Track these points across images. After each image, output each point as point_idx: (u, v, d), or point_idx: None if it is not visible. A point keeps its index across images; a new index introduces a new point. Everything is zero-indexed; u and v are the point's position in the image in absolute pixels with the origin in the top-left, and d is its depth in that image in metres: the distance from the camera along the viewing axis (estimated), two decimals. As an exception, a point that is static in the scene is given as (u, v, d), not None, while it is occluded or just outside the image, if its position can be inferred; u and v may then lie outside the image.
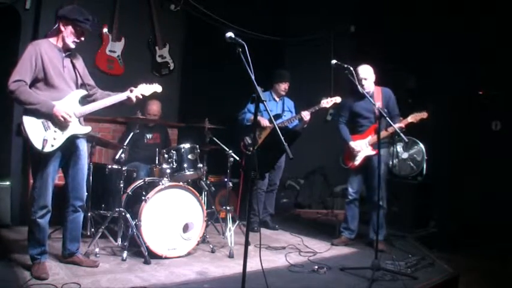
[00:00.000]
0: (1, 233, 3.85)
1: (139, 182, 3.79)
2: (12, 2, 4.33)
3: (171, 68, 5.52)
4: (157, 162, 4.04)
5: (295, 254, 3.85)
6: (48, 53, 2.85)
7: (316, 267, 3.37)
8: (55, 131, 2.81)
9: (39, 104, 2.74)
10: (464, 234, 4.53)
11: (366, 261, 3.40)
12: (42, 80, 2.82)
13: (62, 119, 2.79)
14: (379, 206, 3.44)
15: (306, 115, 4.51)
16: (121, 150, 3.64)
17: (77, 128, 2.93)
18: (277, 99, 4.89)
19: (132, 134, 3.89)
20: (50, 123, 2.80)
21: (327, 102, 4.48)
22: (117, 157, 3.63)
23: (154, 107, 4.63)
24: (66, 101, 2.88)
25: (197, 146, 3.99)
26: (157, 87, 3.29)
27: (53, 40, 2.94)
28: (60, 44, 2.94)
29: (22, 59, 2.79)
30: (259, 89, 2.35)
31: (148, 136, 4.64)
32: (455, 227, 4.83)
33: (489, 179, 4.78)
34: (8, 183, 4.23)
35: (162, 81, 5.35)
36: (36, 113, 2.75)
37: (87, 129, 3.00)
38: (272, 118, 2.44)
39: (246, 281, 2.25)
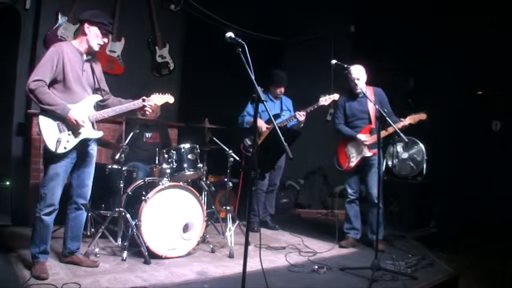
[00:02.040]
0: (1, 233, 3.84)
1: (139, 182, 3.79)
2: (12, 2, 4.33)
3: (171, 68, 5.53)
4: (157, 162, 4.04)
5: (295, 254, 3.85)
6: (70, 56, 2.90)
7: (316, 267, 3.37)
8: (69, 134, 2.87)
9: (56, 105, 2.79)
10: (464, 234, 4.53)
11: (365, 261, 3.39)
12: (60, 82, 2.87)
13: (75, 123, 2.84)
14: (378, 206, 3.44)
15: (299, 116, 4.50)
16: (121, 150, 3.64)
17: (90, 132, 2.98)
18: (274, 99, 4.89)
19: (132, 133, 3.89)
20: (64, 126, 2.86)
21: (325, 100, 4.46)
22: (117, 157, 3.63)
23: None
24: (81, 105, 2.94)
25: (197, 146, 3.98)
26: (169, 98, 3.33)
27: (75, 43, 3.00)
28: (82, 48, 2.99)
29: (43, 59, 2.84)
30: (259, 89, 2.35)
31: (148, 135, 4.63)
32: (455, 227, 4.83)
33: (489, 179, 4.78)
34: (8, 183, 4.23)
35: (162, 81, 5.42)
36: (52, 114, 2.81)
37: (99, 133, 3.06)
38: (272, 118, 2.44)
39: (246, 281, 2.25)
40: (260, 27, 6.09)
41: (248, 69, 2.34)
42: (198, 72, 5.71)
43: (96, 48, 3.00)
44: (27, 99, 4.46)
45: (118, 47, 5.06)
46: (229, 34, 2.38)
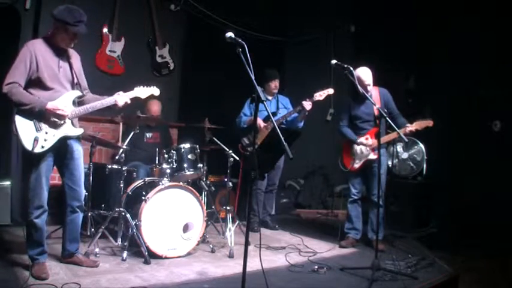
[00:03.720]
0: (1, 233, 3.84)
1: (139, 182, 3.79)
2: (12, 2, 4.33)
3: (171, 68, 5.53)
4: (157, 162, 4.05)
5: (295, 254, 3.85)
6: (43, 53, 2.81)
7: (316, 267, 3.37)
8: (46, 132, 2.79)
9: (32, 103, 2.71)
10: (464, 234, 4.53)
11: (366, 261, 3.40)
12: (36, 81, 2.79)
13: (57, 112, 2.76)
14: (378, 207, 3.44)
15: (307, 104, 4.42)
16: (121, 150, 3.64)
17: (69, 129, 2.90)
18: (269, 98, 4.89)
19: (132, 133, 3.89)
20: (41, 124, 2.78)
21: (320, 95, 4.44)
22: (117, 157, 3.63)
23: (155, 107, 4.63)
24: (59, 101, 2.84)
25: (197, 146, 3.98)
26: (154, 90, 3.24)
27: (50, 40, 2.88)
28: (56, 44, 2.88)
29: (17, 60, 2.76)
30: (259, 88, 2.35)
31: (148, 135, 4.64)
32: (455, 227, 4.83)
33: (489, 179, 4.77)
34: (8, 183, 4.23)
35: (162, 81, 5.42)
36: (30, 113, 2.73)
37: (79, 131, 2.96)
38: (272, 117, 2.44)
39: (246, 281, 2.25)
40: (260, 27, 6.09)
41: (248, 69, 2.34)
42: (198, 72, 5.71)
43: (64, 46, 2.89)
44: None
45: (118, 47, 5.06)
46: (229, 34, 2.37)
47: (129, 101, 3.09)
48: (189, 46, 5.80)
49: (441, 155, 5.21)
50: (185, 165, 3.84)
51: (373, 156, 4.00)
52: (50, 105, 2.75)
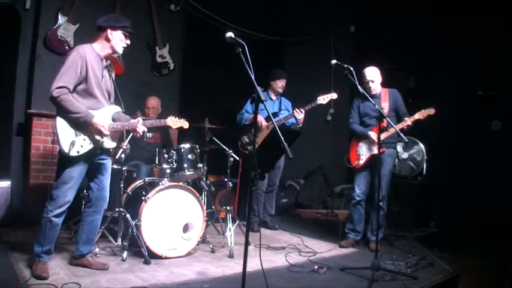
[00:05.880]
0: (1, 233, 3.84)
1: (139, 182, 3.79)
2: (12, 2, 4.33)
3: (171, 68, 5.53)
4: (157, 162, 4.04)
5: (295, 254, 3.85)
6: (92, 61, 2.88)
7: (316, 267, 3.37)
8: (84, 139, 2.86)
9: (79, 113, 2.77)
10: (464, 234, 4.53)
11: (366, 261, 3.40)
12: (82, 86, 2.85)
13: (98, 130, 2.84)
14: (379, 207, 3.44)
15: (297, 113, 4.51)
16: (121, 150, 3.64)
17: (105, 141, 2.97)
18: (273, 98, 4.89)
19: (131, 134, 3.88)
20: (81, 131, 2.85)
21: (323, 99, 4.49)
22: (117, 157, 3.63)
23: (154, 101, 4.63)
24: (102, 113, 2.94)
25: (197, 146, 3.99)
26: (184, 123, 3.42)
27: (96, 48, 2.97)
28: (103, 53, 2.98)
29: (67, 64, 2.79)
30: (259, 88, 2.35)
31: (149, 135, 4.63)
32: (455, 227, 4.83)
33: (489, 179, 4.78)
34: (8, 183, 4.22)
35: (162, 81, 5.42)
36: (74, 122, 2.79)
37: (112, 144, 3.04)
38: (272, 117, 2.44)
39: (246, 281, 2.25)
40: (260, 27, 6.09)
41: (248, 69, 2.34)
42: (198, 72, 5.71)
43: (121, 51, 3.03)
44: (27, 99, 4.46)
45: (118, 47, 5.05)
46: (229, 34, 2.38)
47: (146, 130, 3.15)
48: (189, 46, 5.80)
49: (441, 155, 5.21)
50: (185, 165, 3.84)
51: (377, 151, 3.99)
52: (96, 120, 2.82)
